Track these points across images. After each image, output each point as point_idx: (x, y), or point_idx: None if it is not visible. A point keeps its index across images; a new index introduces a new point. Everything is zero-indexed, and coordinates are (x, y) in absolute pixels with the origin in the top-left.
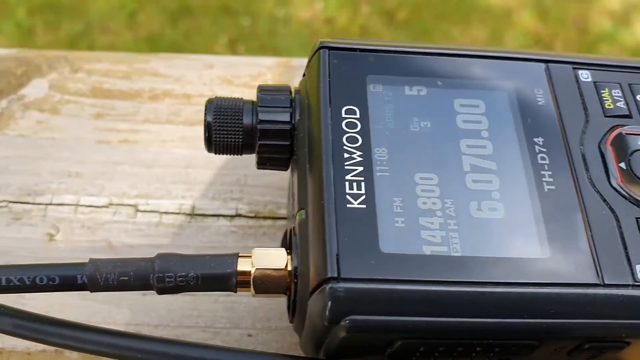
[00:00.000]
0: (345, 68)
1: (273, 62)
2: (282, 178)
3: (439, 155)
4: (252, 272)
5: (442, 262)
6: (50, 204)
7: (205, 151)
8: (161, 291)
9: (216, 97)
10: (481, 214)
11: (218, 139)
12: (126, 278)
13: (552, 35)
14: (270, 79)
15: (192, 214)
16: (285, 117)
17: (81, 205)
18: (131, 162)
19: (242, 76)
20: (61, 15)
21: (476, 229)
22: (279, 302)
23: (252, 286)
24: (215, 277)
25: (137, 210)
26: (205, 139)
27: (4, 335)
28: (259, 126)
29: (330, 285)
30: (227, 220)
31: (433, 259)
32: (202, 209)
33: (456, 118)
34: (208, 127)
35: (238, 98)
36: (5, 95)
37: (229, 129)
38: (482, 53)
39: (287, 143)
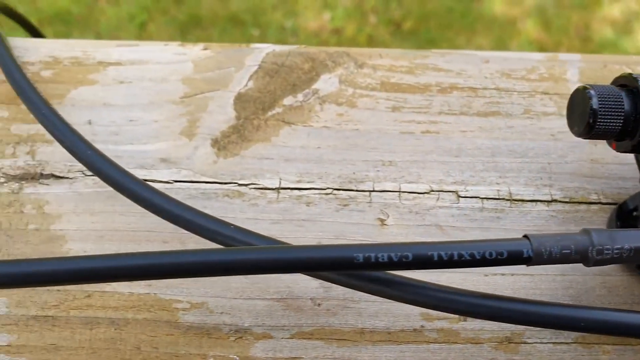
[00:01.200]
0: None
1: (542, 56)
2: (581, 166)
3: None
4: None
5: None
6: (373, 191)
7: (505, 141)
8: (596, 263)
9: (591, 85)
10: None
11: (601, 125)
12: (568, 251)
13: (555, 43)
14: (545, 72)
15: (511, 199)
16: None
17: (404, 192)
18: (438, 151)
19: (519, 70)
20: (71, 27)
21: None
22: (621, 281)
23: None
24: None
25: (459, 196)
26: (586, 124)
27: (363, 313)
28: None
29: None
30: (544, 205)
31: None
32: (519, 195)
33: None
34: (593, 114)
35: (610, 86)
36: (299, 89)
37: (612, 115)
38: None
39: None
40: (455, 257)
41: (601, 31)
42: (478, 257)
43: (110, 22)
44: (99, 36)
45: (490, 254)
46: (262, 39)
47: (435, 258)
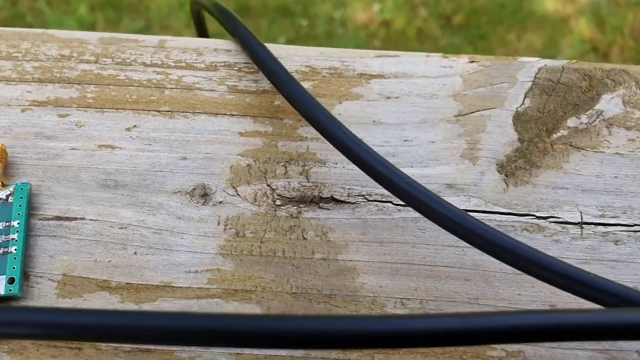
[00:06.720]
0: None
1: None
2: None
3: None
4: None
5: None
6: None
7: None
8: None
9: None
10: None
11: None
12: None
13: (609, 43)
14: None
15: None
16: None
17: None
18: None
19: None
20: (122, 12)
21: None
22: None
23: None
24: None
25: None
26: None
27: None
28: None
29: None
30: None
31: None
32: None
33: None
34: None
35: None
36: (582, 110)
37: None
38: None
39: None
40: None
41: None
42: None
43: (161, 9)
44: (149, 23)
45: None
46: (311, 30)
47: None
